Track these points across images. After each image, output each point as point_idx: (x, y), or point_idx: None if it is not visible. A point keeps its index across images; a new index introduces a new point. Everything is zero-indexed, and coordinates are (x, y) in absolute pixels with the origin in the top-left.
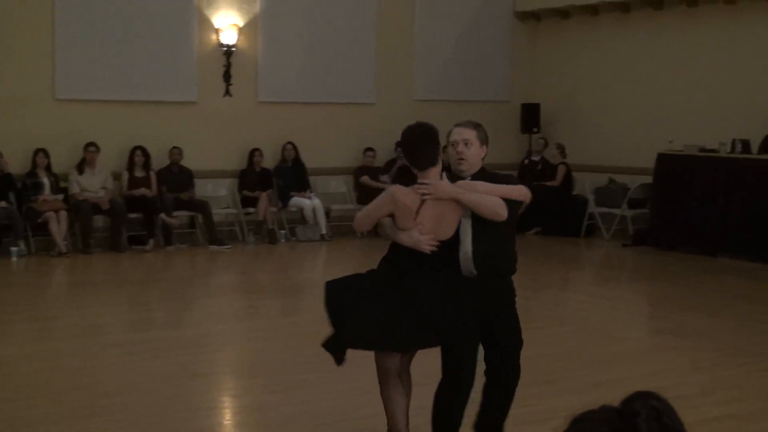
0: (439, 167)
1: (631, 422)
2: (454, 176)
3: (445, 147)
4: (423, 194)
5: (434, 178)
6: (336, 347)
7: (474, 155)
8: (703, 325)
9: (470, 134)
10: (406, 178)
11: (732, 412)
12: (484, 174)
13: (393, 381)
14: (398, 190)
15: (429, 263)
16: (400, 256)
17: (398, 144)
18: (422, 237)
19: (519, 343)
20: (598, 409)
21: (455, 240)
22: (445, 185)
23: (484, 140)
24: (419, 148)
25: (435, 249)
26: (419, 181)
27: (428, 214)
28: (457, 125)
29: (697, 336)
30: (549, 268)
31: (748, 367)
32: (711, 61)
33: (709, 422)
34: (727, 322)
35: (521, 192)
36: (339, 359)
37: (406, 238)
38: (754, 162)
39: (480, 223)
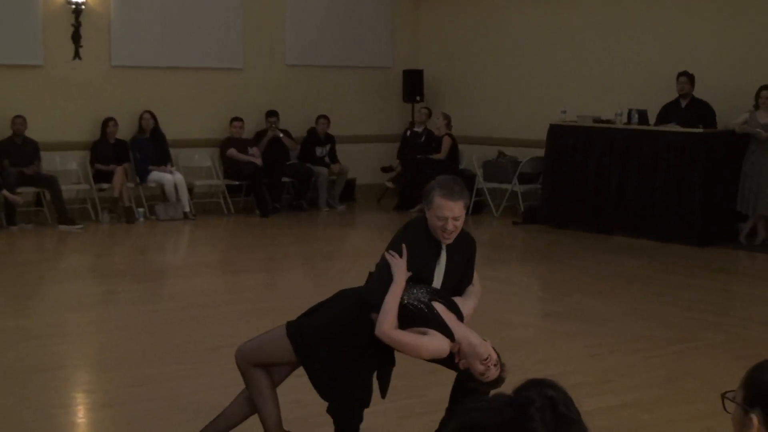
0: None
1: (523, 412)
2: (425, 238)
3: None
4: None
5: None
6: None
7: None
8: (598, 308)
9: (461, 208)
10: (278, 151)
11: (629, 401)
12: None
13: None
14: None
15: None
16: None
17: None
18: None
19: None
20: (490, 398)
21: None
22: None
23: (467, 204)
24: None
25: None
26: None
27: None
28: (443, 196)
29: (592, 320)
30: None
31: (645, 353)
32: (606, 25)
33: (606, 411)
34: (624, 305)
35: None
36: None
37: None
38: (651, 134)
39: None
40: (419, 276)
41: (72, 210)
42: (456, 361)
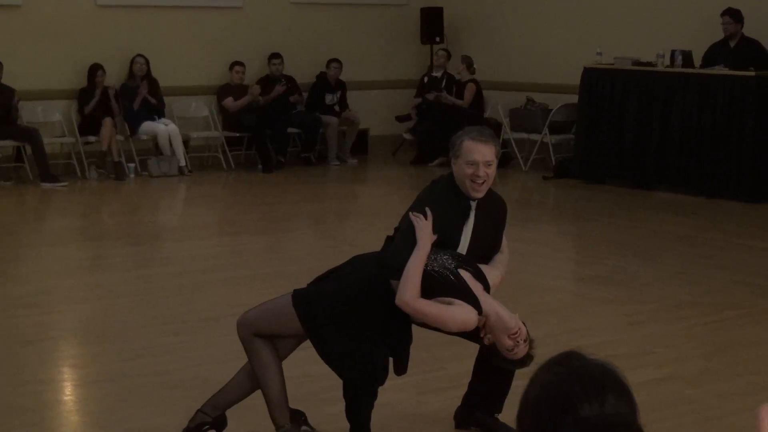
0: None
1: (564, 377)
2: (454, 197)
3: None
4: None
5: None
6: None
7: (493, 174)
8: (638, 272)
9: (492, 153)
10: (283, 98)
11: (672, 374)
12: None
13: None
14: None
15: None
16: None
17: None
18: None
19: None
20: (561, 360)
21: None
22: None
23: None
24: None
25: None
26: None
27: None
28: (473, 138)
29: (631, 285)
30: None
31: (690, 322)
32: None
33: (646, 385)
34: (666, 268)
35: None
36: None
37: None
38: (696, 77)
39: None
40: (445, 239)
41: (56, 166)
42: (481, 335)
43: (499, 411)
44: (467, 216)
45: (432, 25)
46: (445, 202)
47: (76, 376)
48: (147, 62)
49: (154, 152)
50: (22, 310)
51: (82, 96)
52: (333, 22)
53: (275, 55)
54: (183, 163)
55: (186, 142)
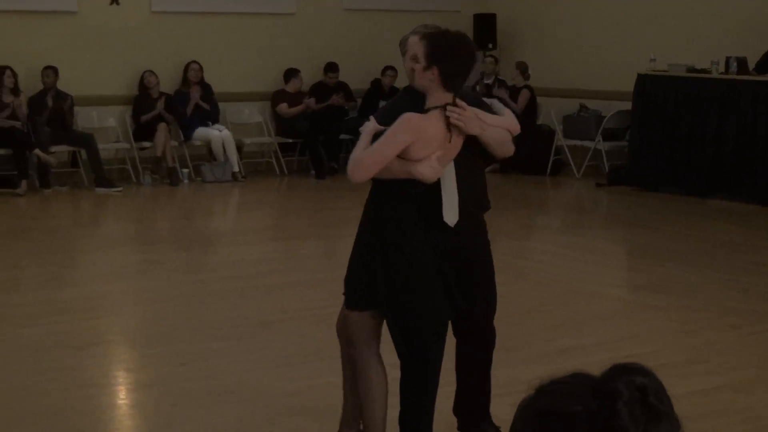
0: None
1: (609, 405)
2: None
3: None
4: (455, 121)
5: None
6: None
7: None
8: (691, 279)
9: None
10: (336, 105)
11: (724, 382)
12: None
13: (375, 358)
14: (420, 118)
15: (411, 210)
16: (385, 199)
17: (432, 53)
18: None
19: (495, 296)
20: (571, 378)
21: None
22: (475, 116)
23: None
24: (470, 65)
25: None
26: (454, 105)
27: (453, 146)
28: (414, 33)
29: (684, 293)
30: (508, 212)
31: (743, 330)
32: None
33: (697, 394)
34: (719, 276)
35: (516, 125)
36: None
37: (426, 169)
38: (751, 84)
39: (461, 158)
40: None
41: (110, 171)
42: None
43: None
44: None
45: (485, 31)
46: (405, 106)
47: (129, 380)
48: (201, 68)
49: (207, 158)
50: (77, 314)
51: (137, 102)
52: (386, 29)
53: (331, 68)
54: (236, 168)
55: (239, 148)
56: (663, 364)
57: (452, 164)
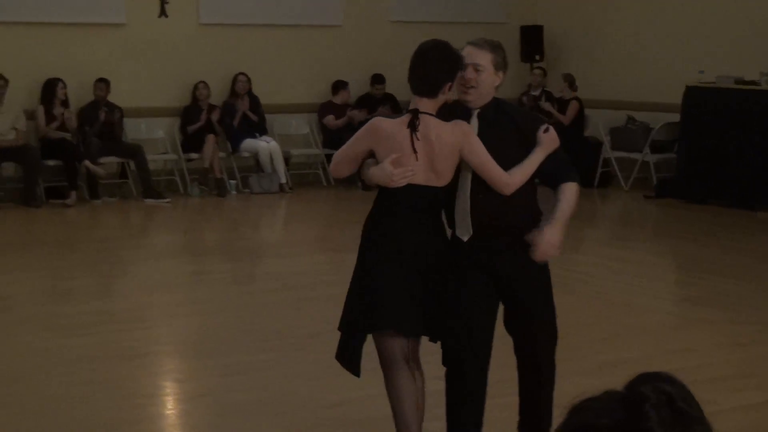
0: (438, 101)
1: (638, 409)
2: (458, 106)
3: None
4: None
5: (426, 108)
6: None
7: (486, 83)
8: (740, 292)
9: (484, 58)
10: (381, 116)
11: None
12: (498, 106)
13: (402, 371)
14: (381, 120)
15: (416, 217)
16: (386, 205)
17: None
18: (396, 170)
19: (547, 325)
20: (600, 396)
21: (451, 191)
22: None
23: (500, 66)
24: (419, 65)
25: (407, 180)
26: (411, 110)
27: (421, 150)
28: (470, 43)
29: (733, 306)
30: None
31: None
32: None
33: (747, 409)
34: None
35: (555, 141)
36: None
37: (377, 171)
38: None
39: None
40: None
41: (159, 182)
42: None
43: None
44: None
45: (532, 43)
46: (446, 112)
47: (177, 390)
48: (249, 80)
49: (255, 169)
50: (125, 325)
51: (186, 113)
52: None
53: (378, 79)
54: (283, 180)
55: (287, 160)
56: (712, 378)
57: (468, 179)
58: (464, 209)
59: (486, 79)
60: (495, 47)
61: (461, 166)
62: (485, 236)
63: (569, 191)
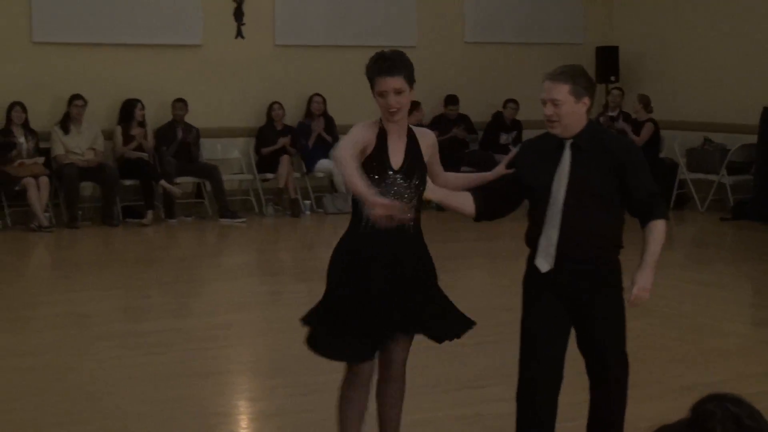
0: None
1: (702, 425)
2: (550, 138)
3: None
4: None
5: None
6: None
7: (568, 115)
8: None
9: (560, 91)
10: (457, 149)
11: None
12: (591, 133)
13: (366, 392)
14: (362, 127)
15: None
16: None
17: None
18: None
19: (616, 353)
20: (674, 423)
21: (537, 222)
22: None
23: (582, 93)
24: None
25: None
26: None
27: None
28: (547, 77)
29: None
30: (629, 247)
31: None
32: None
33: None
34: None
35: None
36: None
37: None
38: None
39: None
40: (535, 183)
41: (234, 202)
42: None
43: None
44: (560, 158)
45: (607, 63)
46: (539, 144)
47: (251, 409)
48: (324, 101)
49: (329, 189)
50: (201, 343)
51: (261, 134)
52: (507, 62)
53: (452, 100)
54: None
55: None
56: None
57: (558, 211)
58: (550, 242)
59: (567, 111)
60: (573, 75)
61: (550, 200)
62: (565, 264)
63: (657, 231)
